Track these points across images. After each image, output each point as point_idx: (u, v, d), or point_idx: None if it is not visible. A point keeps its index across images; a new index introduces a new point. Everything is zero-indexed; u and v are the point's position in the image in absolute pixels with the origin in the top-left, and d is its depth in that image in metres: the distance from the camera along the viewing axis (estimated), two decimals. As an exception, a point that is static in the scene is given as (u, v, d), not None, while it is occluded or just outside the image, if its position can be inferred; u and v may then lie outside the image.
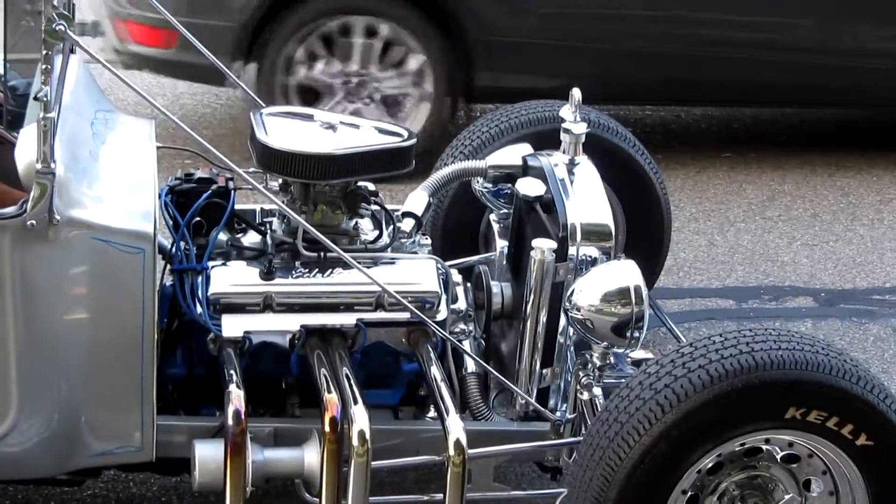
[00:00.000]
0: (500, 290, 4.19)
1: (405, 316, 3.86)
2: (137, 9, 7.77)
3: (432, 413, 3.96)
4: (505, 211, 4.43)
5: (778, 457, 3.55)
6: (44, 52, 3.39)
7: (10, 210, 3.45)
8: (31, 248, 3.48)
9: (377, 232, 4.05)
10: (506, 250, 4.36)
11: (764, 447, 3.53)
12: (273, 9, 7.42)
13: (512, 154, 4.43)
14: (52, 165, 3.41)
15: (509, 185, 4.37)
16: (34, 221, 3.43)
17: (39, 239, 3.47)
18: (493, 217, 4.49)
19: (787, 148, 8.21)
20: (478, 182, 4.52)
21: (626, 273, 3.83)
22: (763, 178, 7.56)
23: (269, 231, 4.05)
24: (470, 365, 4.05)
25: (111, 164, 3.83)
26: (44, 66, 3.39)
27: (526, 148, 4.44)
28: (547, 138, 4.48)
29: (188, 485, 3.79)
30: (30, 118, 3.68)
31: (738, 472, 3.55)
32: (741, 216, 6.98)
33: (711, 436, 3.43)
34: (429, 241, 4.19)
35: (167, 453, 3.78)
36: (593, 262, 3.97)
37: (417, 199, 4.32)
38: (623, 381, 3.77)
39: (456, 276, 4.19)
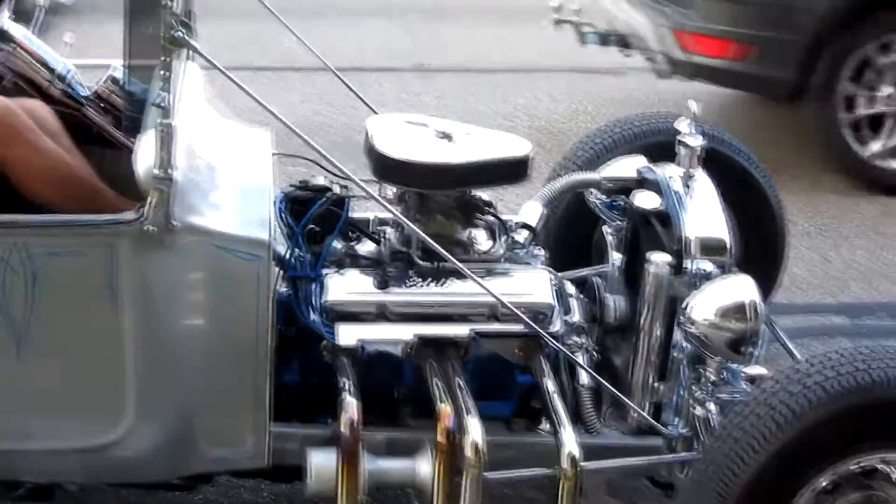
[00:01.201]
0: (613, 302, 4.18)
1: (519, 327, 3.85)
2: (708, 22, 8.08)
3: (545, 426, 3.96)
4: (619, 223, 4.43)
5: (894, 477, 3.52)
6: (163, 59, 3.43)
7: (129, 215, 3.50)
8: (148, 253, 3.52)
9: (492, 242, 4.06)
10: (619, 263, 4.35)
11: (880, 467, 3.49)
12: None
13: (627, 166, 4.42)
14: (171, 171, 3.45)
15: (623, 197, 4.37)
16: (152, 227, 3.47)
17: (157, 245, 3.51)
18: (606, 229, 4.48)
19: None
20: (592, 194, 4.52)
21: (742, 288, 3.81)
22: (875, 193, 7.49)
23: (383, 240, 4.08)
24: (583, 377, 4.04)
25: (228, 172, 3.88)
26: (163, 73, 3.43)
27: (640, 160, 4.43)
28: (662, 150, 4.47)
29: (299, 491, 3.80)
30: (148, 124, 3.74)
31: (854, 491, 3.51)
32: (854, 231, 6.92)
33: (827, 455, 3.41)
34: (543, 252, 4.19)
35: (280, 460, 3.79)
36: (708, 276, 3.95)
37: (532, 209, 4.32)
38: (738, 396, 3.78)
39: (570, 288, 4.19)
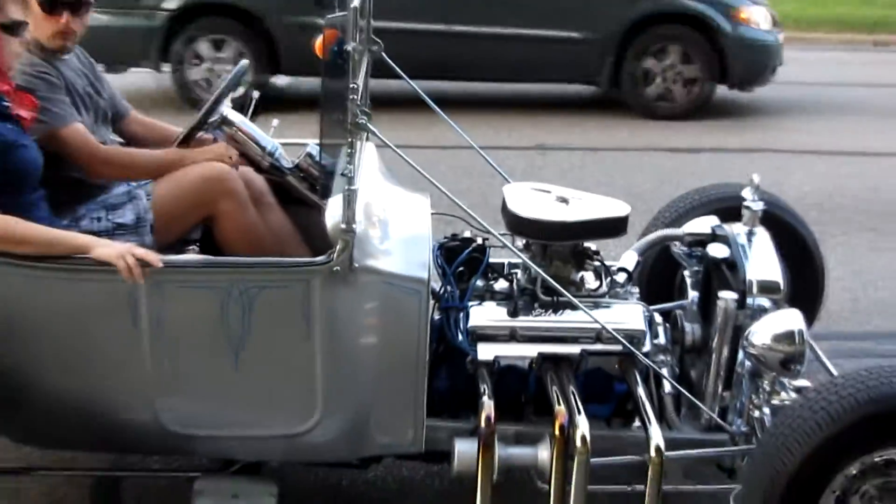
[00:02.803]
0: (691, 329, 4.17)
1: (618, 347, 3.85)
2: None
3: (636, 423, 3.94)
4: (695, 268, 4.39)
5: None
6: (349, 139, 3.47)
7: (321, 258, 3.56)
8: (334, 287, 3.55)
9: (598, 282, 4.04)
10: (696, 299, 4.32)
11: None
12: None
13: (703, 224, 4.39)
14: (354, 226, 3.48)
15: (700, 248, 4.34)
16: (338, 268, 3.52)
17: (341, 281, 3.55)
18: (686, 273, 4.45)
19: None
20: (675, 245, 4.50)
21: (791, 320, 3.79)
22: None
23: (514, 280, 4.06)
24: (667, 387, 4.02)
25: (396, 226, 3.89)
26: (349, 150, 3.47)
27: (713, 220, 4.40)
28: (730, 212, 4.44)
29: (447, 472, 3.82)
30: (336, 189, 3.77)
31: (878, 478, 3.47)
32: (882, 276, 6.84)
33: (856, 449, 3.39)
34: (636, 290, 4.17)
35: (433, 447, 3.80)
36: (765, 310, 3.93)
37: (629, 257, 4.31)
38: (787, 403, 3.75)
39: (657, 318, 4.17)
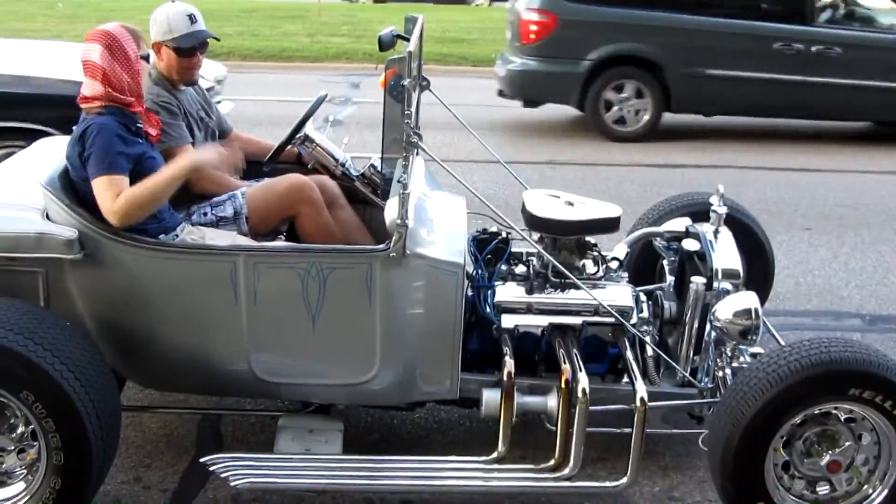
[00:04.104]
0: (669, 306, 4.14)
1: (611, 319, 3.84)
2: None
3: (625, 380, 3.92)
4: (672, 258, 4.37)
5: (842, 418, 3.45)
6: (404, 154, 3.47)
7: (381, 246, 3.57)
8: (391, 269, 3.56)
9: (595, 268, 4.02)
10: (672, 282, 4.30)
11: (832, 411, 3.43)
12: None
13: (678, 224, 4.38)
14: (406, 221, 3.48)
15: (676, 242, 4.32)
16: (394, 254, 3.52)
17: (396, 264, 3.55)
18: (664, 262, 4.43)
19: (844, 221, 7.99)
20: (656, 240, 4.48)
21: (749, 300, 3.77)
22: (831, 244, 7.36)
23: (531, 265, 4.06)
24: (649, 351, 4.00)
25: (439, 222, 3.89)
26: (404, 163, 3.47)
27: (687, 220, 4.38)
28: (699, 215, 4.43)
29: (476, 414, 3.82)
30: (392, 193, 3.77)
31: (816, 426, 3.45)
32: (817, 266, 6.80)
33: (799, 403, 3.36)
34: (626, 275, 4.14)
35: (465, 395, 3.80)
36: (728, 292, 3.91)
37: (620, 249, 4.31)
38: (745, 366, 3.74)
39: (642, 297, 4.14)
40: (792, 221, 7.90)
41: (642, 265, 4.69)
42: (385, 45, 3.84)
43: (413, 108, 3.48)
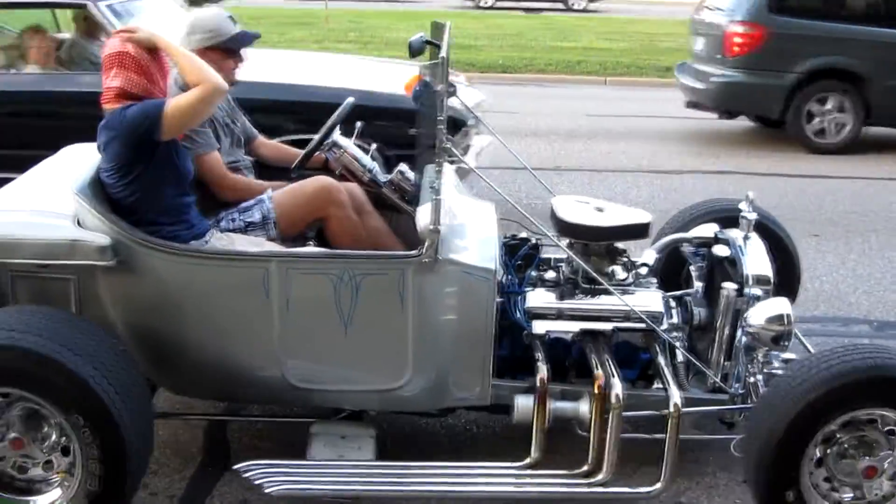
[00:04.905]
0: (698, 312, 4.12)
1: (642, 325, 3.84)
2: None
3: (655, 386, 3.92)
4: (699, 264, 4.35)
5: (877, 425, 3.45)
6: (437, 160, 3.47)
7: (413, 252, 3.57)
8: (423, 275, 3.57)
9: (625, 274, 4.02)
10: (700, 288, 4.27)
11: (868, 418, 3.42)
12: None
13: (706, 230, 4.36)
14: (439, 227, 3.49)
15: (704, 248, 4.31)
16: (427, 259, 3.53)
17: (429, 270, 3.56)
18: (691, 267, 4.40)
19: (852, 227, 8.00)
20: (683, 246, 4.47)
21: (782, 306, 3.77)
22: (839, 250, 7.36)
23: (561, 271, 4.06)
24: (679, 357, 4.01)
25: (471, 228, 3.90)
26: (437, 170, 3.47)
27: (714, 226, 4.37)
28: (726, 221, 4.41)
29: (505, 420, 3.83)
30: (424, 199, 3.78)
31: (853, 432, 3.45)
32: (825, 272, 6.81)
33: (834, 409, 3.36)
34: (655, 281, 4.15)
35: (496, 401, 3.80)
36: (759, 298, 3.90)
37: (649, 255, 4.30)
38: (776, 371, 3.74)
39: (671, 303, 4.14)
40: (800, 228, 7.88)
41: (666, 271, 4.67)
42: (415, 51, 3.85)
43: (444, 115, 3.48)
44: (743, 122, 12.28)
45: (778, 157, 10.66)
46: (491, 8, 30.95)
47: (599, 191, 8.81)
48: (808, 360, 3.45)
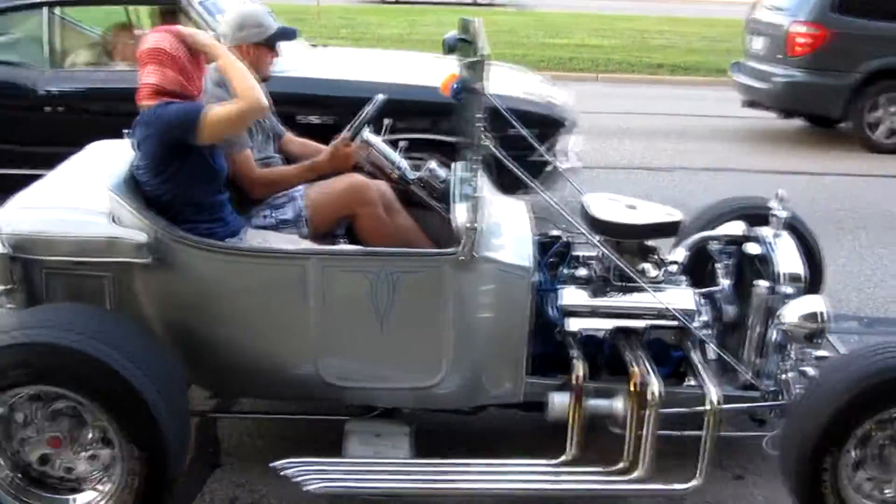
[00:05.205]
0: (727, 309, 4.15)
1: (675, 322, 3.85)
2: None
3: (688, 382, 3.93)
4: (726, 262, 4.35)
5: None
6: (474, 157, 3.48)
7: (450, 250, 3.58)
8: (461, 272, 3.58)
9: (657, 272, 4.03)
10: (728, 286, 4.26)
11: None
12: None
13: (734, 227, 4.36)
14: (476, 225, 3.49)
15: (733, 246, 4.31)
16: (464, 257, 3.53)
17: (465, 268, 3.58)
18: (717, 265, 4.40)
19: (842, 224, 8.03)
20: (710, 243, 4.47)
21: (817, 303, 3.78)
22: (830, 247, 7.41)
23: (592, 268, 4.07)
24: (711, 353, 4.02)
25: (507, 226, 3.93)
26: (474, 167, 3.48)
27: (741, 224, 4.36)
28: (753, 218, 4.42)
29: (538, 418, 3.85)
30: (460, 198, 3.79)
31: (888, 430, 3.46)
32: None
33: (869, 408, 3.38)
34: (685, 278, 4.16)
35: (529, 398, 3.82)
36: (790, 296, 3.91)
37: (678, 252, 4.30)
38: (808, 370, 3.77)
39: (702, 300, 4.15)
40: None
41: (692, 268, 4.68)
42: (450, 48, 3.85)
43: (482, 113, 3.48)
44: (743, 122, 12.30)
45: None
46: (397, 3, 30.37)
47: (594, 188, 8.76)
48: (846, 358, 3.47)
